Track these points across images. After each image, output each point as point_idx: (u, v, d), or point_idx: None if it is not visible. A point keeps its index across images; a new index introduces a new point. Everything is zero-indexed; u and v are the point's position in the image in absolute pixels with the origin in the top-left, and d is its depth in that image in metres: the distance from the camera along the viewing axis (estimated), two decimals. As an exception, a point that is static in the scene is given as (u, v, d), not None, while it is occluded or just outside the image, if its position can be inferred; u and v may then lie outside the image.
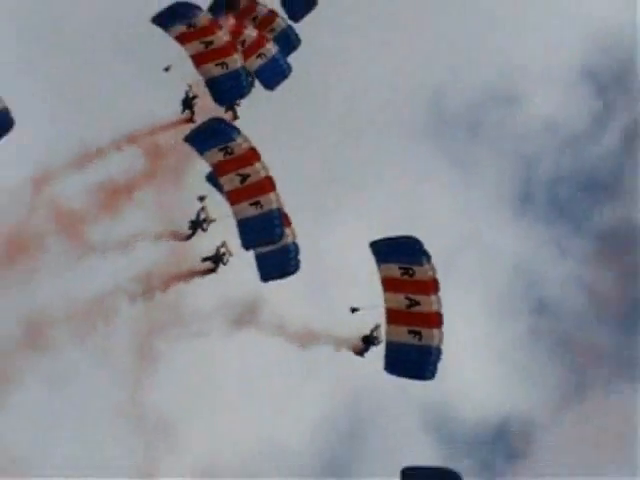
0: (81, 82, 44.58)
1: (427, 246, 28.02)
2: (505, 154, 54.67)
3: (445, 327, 28.55)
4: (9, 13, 49.09)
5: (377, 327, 34.11)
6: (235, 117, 36.51)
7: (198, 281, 36.24)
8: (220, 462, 43.75)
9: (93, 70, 46.11)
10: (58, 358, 37.12)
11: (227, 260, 35.82)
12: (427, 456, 49.79)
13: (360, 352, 35.38)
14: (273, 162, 30.45)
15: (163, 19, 33.48)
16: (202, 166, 32.00)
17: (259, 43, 36.14)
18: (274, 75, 36.23)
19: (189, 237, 35.88)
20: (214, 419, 45.12)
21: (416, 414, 50.34)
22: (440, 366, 28.94)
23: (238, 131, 30.99)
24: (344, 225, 47.77)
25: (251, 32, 36.10)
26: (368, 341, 35.07)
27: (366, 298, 30.20)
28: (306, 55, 38.03)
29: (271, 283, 33.69)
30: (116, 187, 37.48)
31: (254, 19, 37.51)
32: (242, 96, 35.02)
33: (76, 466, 39.60)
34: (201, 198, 34.74)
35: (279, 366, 42.84)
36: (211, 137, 31.23)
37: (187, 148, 31.84)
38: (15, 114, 31.34)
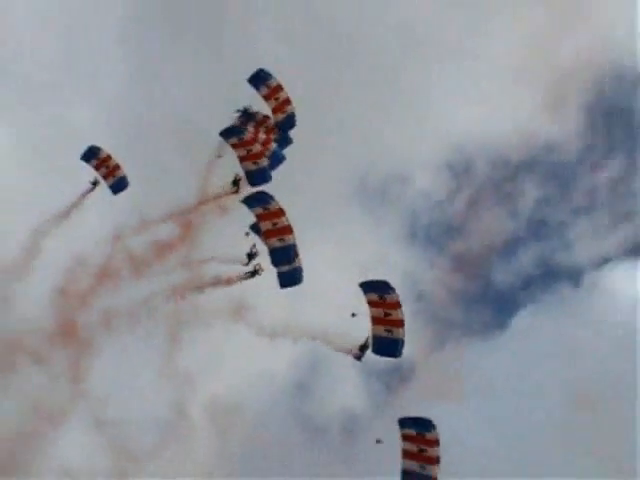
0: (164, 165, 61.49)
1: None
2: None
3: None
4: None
5: (367, 339, 49.14)
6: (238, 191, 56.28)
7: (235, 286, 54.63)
8: (228, 398, 62.16)
9: (169, 159, 63.21)
10: (130, 336, 55.69)
11: (261, 273, 53.77)
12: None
13: (358, 357, 50.38)
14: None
15: (226, 134, 53.00)
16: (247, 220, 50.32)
17: (266, 144, 55.70)
18: (275, 164, 55.21)
19: (247, 264, 54.67)
20: (223, 372, 62.74)
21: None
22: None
23: (273, 197, 48.96)
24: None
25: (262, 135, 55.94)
26: (363, 348, 49.85)
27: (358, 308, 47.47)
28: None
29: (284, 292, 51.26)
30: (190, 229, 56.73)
31: (266, 127, 56.52)
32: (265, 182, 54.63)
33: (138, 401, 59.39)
34: (247, 233, 51.50)
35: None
36: (257, 200, 49.45)
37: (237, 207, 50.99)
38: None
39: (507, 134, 69.68)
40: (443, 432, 49.97)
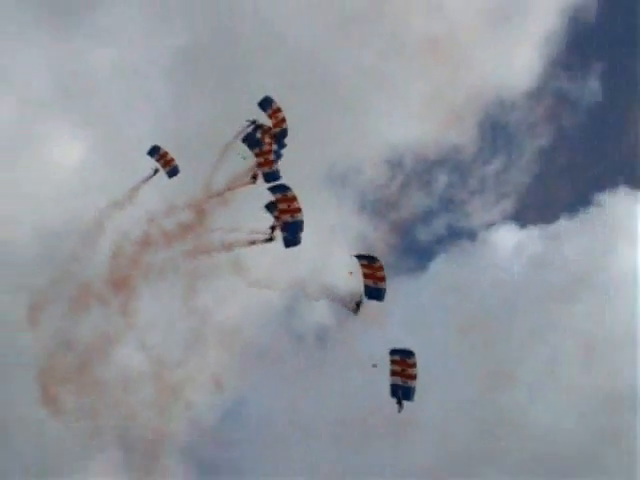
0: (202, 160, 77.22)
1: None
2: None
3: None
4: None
5: (361, 296, 64.73)
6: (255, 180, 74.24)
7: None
8: (233, 322, 77.70)
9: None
10: (163, 284, 74.09)
11: (275, 238, 69.75)
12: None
13: (355, 311, 66.20)
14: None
15: (248, 143, 71.46)
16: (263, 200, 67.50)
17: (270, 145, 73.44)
18: (276, 159, 72.62)
19: (272, 233, 70.38)
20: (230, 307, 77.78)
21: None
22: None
23: (289, 187, 65.86)
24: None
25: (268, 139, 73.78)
26: (359, 304, 65.50)
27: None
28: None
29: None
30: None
31: (269, 135, 73.90)
32: (276, 181, 71.93)
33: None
34: (268, 207, 67.64)
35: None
36: (279, 188, 66.00)
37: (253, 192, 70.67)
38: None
39: (427, 140, 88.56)
40: (369, 351, 66.34)
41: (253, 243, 72.15)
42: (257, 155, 72.81)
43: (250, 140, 73.48)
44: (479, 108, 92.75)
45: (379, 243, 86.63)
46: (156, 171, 79.29)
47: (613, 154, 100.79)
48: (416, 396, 65.34)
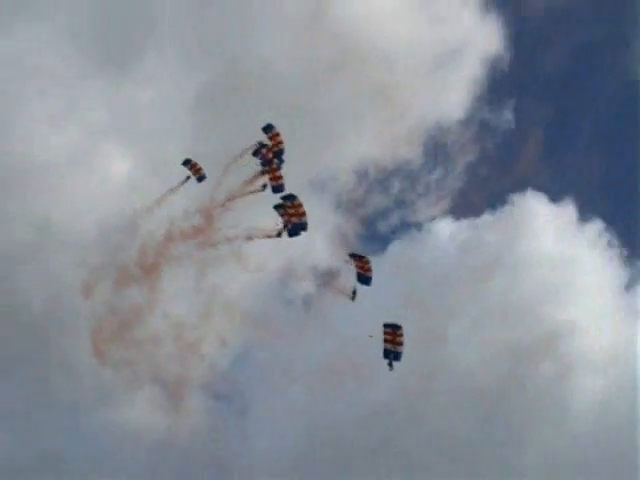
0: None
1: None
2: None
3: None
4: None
5: (355, 287, 77.16)
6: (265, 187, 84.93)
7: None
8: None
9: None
10: (182, 269, 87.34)
11: (283, 235, 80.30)
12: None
13: (352, 299, 78.02)
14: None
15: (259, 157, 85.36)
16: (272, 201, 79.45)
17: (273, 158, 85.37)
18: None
19: (282, 230, 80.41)
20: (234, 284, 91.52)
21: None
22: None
23: (296, 197, 78.15)
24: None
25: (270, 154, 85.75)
26: (354, 292, 77.65)
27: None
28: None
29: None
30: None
31: (272, 152, 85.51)
32: (281, 192, 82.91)
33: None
34: (277, 206, 78.20)
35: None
36: (289, 197, 78.14)
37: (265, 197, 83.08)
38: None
39: (385, 156, 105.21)
40: (342, 314, 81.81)
41: (266, 237, 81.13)
42: (267, 172, 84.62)
43: (258, 154, 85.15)
44: (424, 132, 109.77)
45: (350, 233, 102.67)
46: (187, 178, 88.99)
47: (522, 166, 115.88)
48: (368, 350, 76.33)
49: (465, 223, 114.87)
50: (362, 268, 77.80)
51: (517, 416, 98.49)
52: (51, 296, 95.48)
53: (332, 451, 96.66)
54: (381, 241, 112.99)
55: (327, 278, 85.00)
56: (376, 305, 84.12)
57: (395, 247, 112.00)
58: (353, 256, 77.54)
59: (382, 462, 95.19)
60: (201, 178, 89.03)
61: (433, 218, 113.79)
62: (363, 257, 77.33)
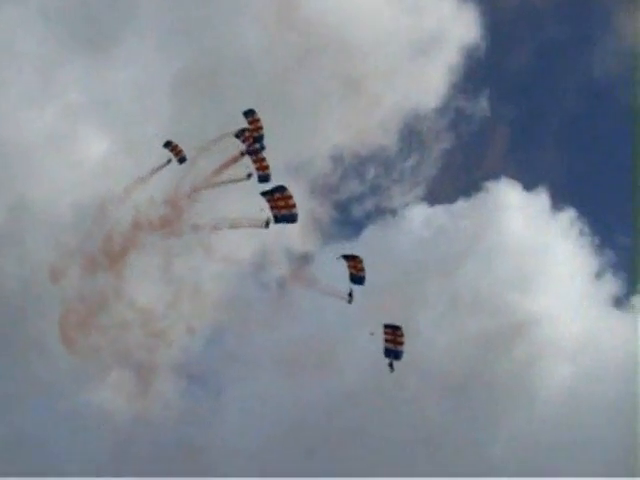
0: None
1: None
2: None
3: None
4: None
5: (351, 290, 77.42)
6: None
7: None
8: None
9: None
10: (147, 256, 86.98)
11: (268, 226, 78.66)
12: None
13: (349, 301, 78.13)
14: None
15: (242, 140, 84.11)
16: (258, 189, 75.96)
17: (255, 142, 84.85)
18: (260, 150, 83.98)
19: (267, 223, 78.56)
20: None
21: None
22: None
23: (286, 188, 74.07)
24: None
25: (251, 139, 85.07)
26: (351, 294, 77.72)
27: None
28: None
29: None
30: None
31: (252, 137, 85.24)
32: (267, 182, 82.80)
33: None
34: (265, 193, 74.65)
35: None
36: (279, 188, 74.36)
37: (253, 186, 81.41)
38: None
39: (360, 142, 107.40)
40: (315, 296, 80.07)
41: (252, 227, 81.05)
42: (254, 160, 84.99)
43: (240, 137, 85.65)
44: (400, 119, 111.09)
45: (324, 217, 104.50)
46: (169, 161, 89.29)
47: (496, 153, 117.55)
48: (339, 337, 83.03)
49: (440, 209, 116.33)
50: (355, 268, 78.50)
51: (488, 402, 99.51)
52: (25, 277, 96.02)
53: (302, 436, 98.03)
54: (355, 226, 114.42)
55: (301, 263, 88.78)
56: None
57: (369, 232, 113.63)
58: (345, 257, 78.15)
59: (354, 448, 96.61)
60: (182, 160, 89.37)
61: (408, 204, 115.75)
62: (356, 257, 78.14)
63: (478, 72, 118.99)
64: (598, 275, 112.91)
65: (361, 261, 77.44)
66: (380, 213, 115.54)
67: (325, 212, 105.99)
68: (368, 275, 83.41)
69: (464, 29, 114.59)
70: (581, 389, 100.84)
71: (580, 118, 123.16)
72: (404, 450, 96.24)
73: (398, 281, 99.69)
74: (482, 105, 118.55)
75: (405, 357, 77.57)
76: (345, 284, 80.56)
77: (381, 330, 76.54)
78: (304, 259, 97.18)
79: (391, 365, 77.08)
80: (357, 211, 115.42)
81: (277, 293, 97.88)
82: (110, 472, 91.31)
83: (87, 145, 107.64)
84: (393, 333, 76.55)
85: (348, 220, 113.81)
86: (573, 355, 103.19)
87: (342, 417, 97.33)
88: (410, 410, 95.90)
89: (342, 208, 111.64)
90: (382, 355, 79.09)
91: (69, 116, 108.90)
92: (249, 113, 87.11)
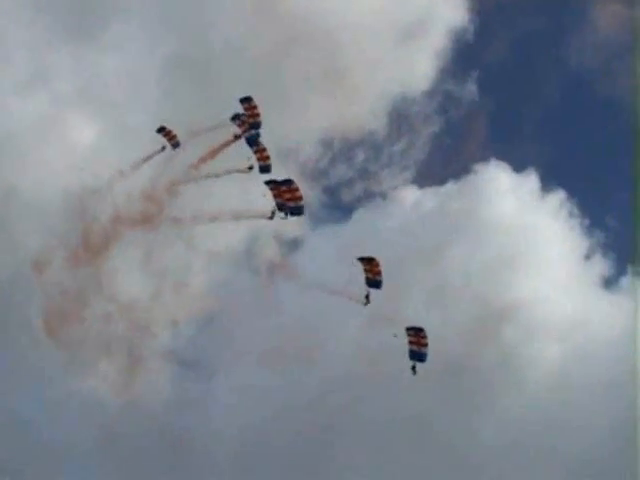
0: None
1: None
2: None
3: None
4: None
5: (369, 292, 76.89)
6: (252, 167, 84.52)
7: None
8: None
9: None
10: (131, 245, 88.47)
11: (274, 217, 79.79)
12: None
13: (365, 303, 77.44)
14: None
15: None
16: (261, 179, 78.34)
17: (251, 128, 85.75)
18: (255, 138, 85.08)
19: (273, 213, 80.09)
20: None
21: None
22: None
23: (293, 181, 76.40)
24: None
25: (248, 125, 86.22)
26: (367, 297, 77.05)
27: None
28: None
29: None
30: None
31: (248, 124, 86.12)
32: (269, 172, 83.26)
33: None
34: (269, 182, 76.90)
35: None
36: (286, 182, 76.36)
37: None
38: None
39: (350, 126, 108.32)
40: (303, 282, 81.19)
41: (256, 217, 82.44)
42: (255, 152, 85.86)
43: (235, 120, 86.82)
44: (388, 103, 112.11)
45: (315, 201, 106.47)
46: (163, 148, 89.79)
47: (486, 136, 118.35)
48: (323, 326, 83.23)
49: (430, 191, 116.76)
50: (371, 272, 77.65)
51: (478, 384, 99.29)
52: (13, 264, 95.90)
53: (291, 421, 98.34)
54: (345, 209, 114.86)
55: (291, 248, 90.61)
56: (341, 269, 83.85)
57: (359, 215, 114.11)
58: (362, 259, 77.35)
59: (342, 434, 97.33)
60: (176, 145, 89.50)
61: (397, 186, 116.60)
62: (373, 259, 77.20)
63: (466, 55, 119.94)
64: (587, 256, 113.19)
65: (378, 264, 76.82)
66: (370, 197, 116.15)
67: (316, 196, 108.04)
68: (356, 255, 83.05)
69: (451, 12, 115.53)
70: (571, 370, 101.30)
71: (569, 100, 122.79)
72: (393, 435, 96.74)
73: (388, 264, 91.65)
74: (470, 88, 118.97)
75: (394, 340, 77.07)
76: (335, 276, 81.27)
77: (403, 333, 76.61)
78: (293, 244, 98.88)
79: (414, 368, 77.33)
80: (347, 195, 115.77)
81: (266, 279, 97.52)
82: (98, 458, 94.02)
83: (77, 132, 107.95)
84: (416, 335, 76.27)
85: (338, 204, 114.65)
86: (563, 336, 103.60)
87: (331, 403, 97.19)
88: (400, 395, 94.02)
89: (332, 192, 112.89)
90: (369, 342, 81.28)
91: (58, 103, 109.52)
92: (246, 100, 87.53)
